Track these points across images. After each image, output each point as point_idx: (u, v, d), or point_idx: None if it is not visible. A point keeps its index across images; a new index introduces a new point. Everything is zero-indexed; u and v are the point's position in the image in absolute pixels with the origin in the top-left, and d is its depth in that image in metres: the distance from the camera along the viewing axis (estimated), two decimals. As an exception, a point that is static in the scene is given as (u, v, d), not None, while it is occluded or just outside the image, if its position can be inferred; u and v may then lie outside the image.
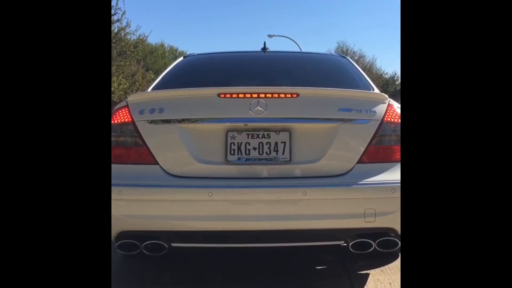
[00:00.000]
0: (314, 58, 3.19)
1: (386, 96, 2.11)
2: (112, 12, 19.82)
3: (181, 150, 1.96)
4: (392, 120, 2.02)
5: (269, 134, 1.99)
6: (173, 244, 1.98)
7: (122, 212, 1.93)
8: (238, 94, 2.01)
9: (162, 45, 38.52)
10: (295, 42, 30.47)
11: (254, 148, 1.98)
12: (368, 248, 1.97)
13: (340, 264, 2.57)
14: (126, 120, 2.02)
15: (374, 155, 1.99)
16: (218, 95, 2.00)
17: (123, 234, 1.95)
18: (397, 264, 2.50)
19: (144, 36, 22.74)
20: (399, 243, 1.97)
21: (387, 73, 39.16)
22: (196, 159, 1.96)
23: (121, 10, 19.92)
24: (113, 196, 1.89)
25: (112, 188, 1.89)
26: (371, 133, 1.99)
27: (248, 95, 1.99)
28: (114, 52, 20.99)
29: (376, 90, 2.41)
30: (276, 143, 1.98)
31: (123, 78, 23.70)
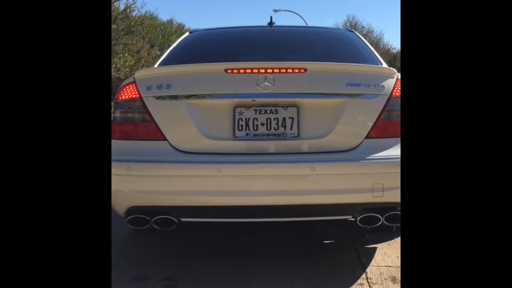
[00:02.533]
0: (321, 33, 3.15)
1: (395, 70, 2.08)
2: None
3: (189, 126, 1.97)
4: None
5: (277, 109, 1.98)
6: (182, 219, 2.00)
7: (132, 187, 1.95)
8: (245, 69, 1.99)
9: (170, 22, 38.14)
10: (301, 17, 29.96)
11: (262, 124, 1.97)
12: (376, 222, 1.99)
13: (348, 239, 2.60)
14: (134, 96, 2.02)
15: (382, 130, 1.98)
16: (225, 70, 1.99)
17: (132, 210, 1.98)
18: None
19: (150, 13, 22.51)
20: None
21: (394, 48, 38.56)
22: (204, 135, 1.96)
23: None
24: (122, 172, 1.93)
25: (121, 164, 1.94)
26: (379, 108, 1.98)
27: (256, 71, 1.97)
28: (121, 32, 20.87)
29: (385, 65, 2.38)
30: (284, 119, 1.97)
31: (128, 55, 23.65)
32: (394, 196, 1.89)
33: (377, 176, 1.91)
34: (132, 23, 20.78)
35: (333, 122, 1.97)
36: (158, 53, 30.94)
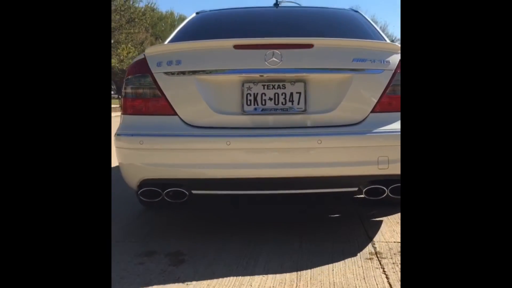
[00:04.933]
0: (327, 12, 3.18)
1: (399, 46, 2.11)
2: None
3: (198, 101, 2.02)
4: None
5: (284, 84, 2.03)
6: (193, 191, 2.05)
7: (144, 161, 2.02)
8: (253, 45, 2.04)
9: (171, 13, 38.10)
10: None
11: (270, 99, 2.03)
12: (381, 194, 2.04)
13: (357, 215, 2.65)
14: (144, 72, 2.07)
15: (387, 105, 2.03)
16: (234, 46, 2.03)
17: (145, 182, 2.05)
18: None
19: (153, 4, 22.55)
20: None
21: (398, 39, 38.46)
22: (213, 110, 2.02)
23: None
24: (134, 146, 2.00)
25: (133, 137, 2.01)
26: (384, 83, 2.02)
27: (264, 46, 2.02)
28: (123, 20, 20.91)
29: (389, 42, 2.41)
30: (291, 94, 2.02)
31: (132, 46, 23.65)
32: (399, 168, 1.93)
33: (383, 149, 1.96)
34: (132, 10, 20.84)
35: (340, 97, 2.02)
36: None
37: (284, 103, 2.03)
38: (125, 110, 2.13)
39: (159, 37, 31.89)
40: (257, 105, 2.02)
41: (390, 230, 2.39)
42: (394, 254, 2.05)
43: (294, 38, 2.13)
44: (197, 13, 3.13)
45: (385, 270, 1.88)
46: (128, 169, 2.07)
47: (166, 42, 2.52)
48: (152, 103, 2.06)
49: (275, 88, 2.03)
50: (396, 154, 1.93)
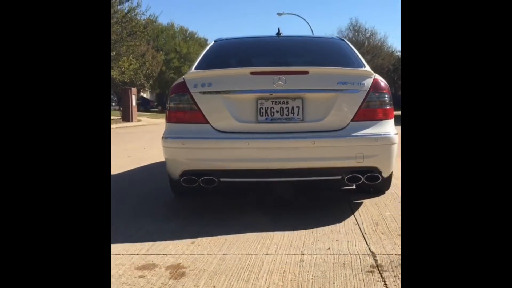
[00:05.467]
0: (319, 41, 4.14)
1: (372, 72, 2.93)
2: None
3: (225, 113, 2.79)
4: (376, 90, 2.83)
5: (288, 101, 2.80)
6: (221, 179, 2.83)
7: (185, 156, 2.81)
8: (265, 72, 2.83)
9: (172, 25, 38.95)
10: (305, 20, 30.78)
11: (277, 111, 2.80)
12: (358, 180, 2.83)
13: (358, 227, 2.69)
14: (184, 92, 2.85)
15: (363, 116, 2.81)
16: (250, 73, 2.81)
17: (185, 172, 2.83)
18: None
19: (155, 17, 22.93)
20: (380, 178, 2.83)
21: (398, 51, 39.27)
22: (235, 119, 2.79)
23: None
24: (178, 146, 2.81)
25: (177, 140, 2.82)
26: (360, 100, 2.81)
27: (272, 73, 2.80)
28: (124, 33, 21.31)
29: (367, 67, 3.17)
30: (292, 107, 2.80)
31: (133, 58, 23.96)
32: (371, 162, 2.76)
33: (359, 147, 2.75)
34: (134, 23, 21.12)
35: (328, 110, 2.79)
36: (163, 57, 31.48)
37: (287, 114, 2.80)
38: (169, 119, 2.92)
39: (160, 49, 32.78)
40: (268, 116, 2.79)
41: (391, 242, 2.40)
42: (396, 266, 2.05)
43: (294, 67, 2.97)
44: (215, 41, 3.92)
45: (386, 283, 1.87)
46: (173, 163, 2.87)
47: (192, 68, 3.24)
48: (190, 115, 2.84)
49: (280, 104, 2.80)
50: (369, 151, 2.74)
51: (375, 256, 2.17)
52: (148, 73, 26.38)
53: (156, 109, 38.23)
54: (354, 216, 2.93)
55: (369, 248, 2.28)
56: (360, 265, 2.05)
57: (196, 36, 43.37)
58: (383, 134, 2.77)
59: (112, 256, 2.18)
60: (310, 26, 36.97)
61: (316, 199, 3.55)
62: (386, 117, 2.84)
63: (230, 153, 2.77)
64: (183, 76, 3.00)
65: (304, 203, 3.41)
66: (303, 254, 2.20)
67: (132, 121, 20.85)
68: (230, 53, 3.73)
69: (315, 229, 2.62)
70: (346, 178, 2.83)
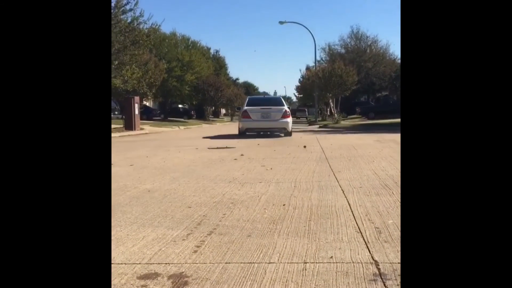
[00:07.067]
0: (275, 97, 18.86)
1: (286, 107, 14.77)
2: (125, 1, 20.27)
3: (253, 116, 14.28)
4: (287, 110, 14.55)
5: (269, 112, 14.24)
6: (251, 132, 15.15)
7: (244, 126, 14.60)
8: (263, 107, 14.52)
9: (174, 34, 39.29)
10: (307, 28, 31.17)
11: (265, 115, 14.31)
12: (282, 132, 14.65)
13: (361, 235, 2.90)
14: (245, 109, 14.69)
15: (284, 116, 14.19)
16: (260, 108, 14.31)
17: (245, 129, 14.60)
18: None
19: (157, 25, 23.05)
20: (287, 131, 14.30)
21: (399, 58, 39.55)
22: (255, 118, 14.34)
23: (134, 0, 20.36)
24: (245, 122, 14.63)
25: (243, 120, 14.73)
26: (283, 111, 14.30)
27: (265, 108, 14.47)
28: (127, 41, 21.44)
29: (285, 105, 14.82)
30: (269, 114, 14.35)
31: (136, 67, 24.06)
32: (285, 127, 14.37)
33: (283, 124, 14.25)
34: (136, 32, 21.31)
35: (277, 115, 14.24)
36: (166, 66, 31.78)
37: (268, 117, 14.29)
38: (242, 117, 14.75)
39: (162, 58, 32.99)
40: (263, 116, 14.31)
41: (394, 251, 2.36)
42: (399, 275, 2.01)
43: (270, 107, 14.82)
44: (249, 97, 17.08)
45: (389, 293, 1.87)
46: (242, 127, 14.74)
47: (245, 106, 15.07)
48: (246, 115, 14.46)
49: (266, 112, 14.27)
50: (284, 125, 14.18)
51: (378, 265, 2.16)
52: (150, 82, 26.49)
53: (159, 117, 38.35)
54: (357, 224, 2.93)
55: (372, 257, 2.27)
56: (363, 274, 2.05)
57: (198, 45, 43.76)
58: (287, 120, 14.18)
59: (114, 266, 2.18)
60: (312, 34, 37.24)
61: (318, 206, 3.56)
62: (288, 117, 14.23)
63: (253, 125, 14.14)
64: (245, 107, 14.85)
65: (306, 210, 3.42)
66: (306, 263, 2.20)
67: (135, 129, 20.94)
68: (253, 101, 15.52)
69: (317, 238, 2.62)
70: (280, 131, 14.29)
